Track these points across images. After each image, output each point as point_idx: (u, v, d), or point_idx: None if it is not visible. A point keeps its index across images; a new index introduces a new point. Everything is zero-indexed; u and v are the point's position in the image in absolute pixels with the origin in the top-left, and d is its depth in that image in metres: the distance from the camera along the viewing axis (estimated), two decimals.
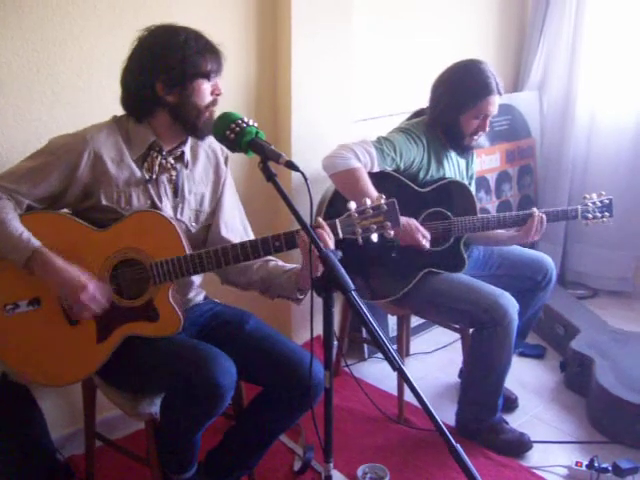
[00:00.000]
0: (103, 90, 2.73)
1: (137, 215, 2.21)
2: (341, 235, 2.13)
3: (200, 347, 2.21)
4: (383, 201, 2.13)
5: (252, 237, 2.52)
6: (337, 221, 2.12)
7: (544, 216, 3.05)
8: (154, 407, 2.30)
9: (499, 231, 3.19)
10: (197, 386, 2.09)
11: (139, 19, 2.70)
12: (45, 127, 2.63)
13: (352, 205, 2.10)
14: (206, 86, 2.20)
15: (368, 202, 2.13)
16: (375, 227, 2.12)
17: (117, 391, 2.35)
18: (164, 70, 2.16)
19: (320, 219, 2.11)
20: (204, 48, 2.18)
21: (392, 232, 2.14)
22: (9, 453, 2.59)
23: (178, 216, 2.33)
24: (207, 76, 2.19)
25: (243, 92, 3.22)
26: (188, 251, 2.19)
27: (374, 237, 2.12)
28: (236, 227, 2.49)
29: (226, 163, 2.49)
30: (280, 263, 2.39)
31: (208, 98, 2.21)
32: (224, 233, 2.44)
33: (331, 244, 2.05)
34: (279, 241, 2.16)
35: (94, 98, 2.73)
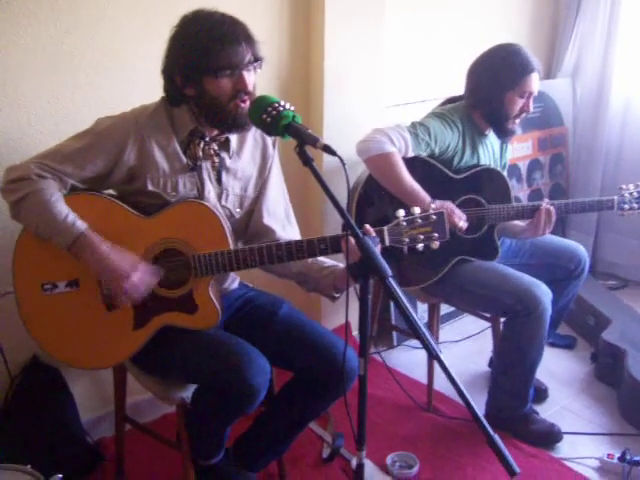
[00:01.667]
0: (136, 73, 2.72)
1: (184, 205, 2.19)
2: (388, 243, 2.09)
3: (236, 344, 2.19)
4: (432, 211, 2.08)
5: (294, 225, 2.49)
6: (385, 229, 2.08)
7: (551, 208, 2.98)
8: (185, 392, 2.30)
9: (514, 223, 3.15)
10: (230, 384, 2.09)
11: (172, 2, 2.69)
12: (78, 111, 2.62)
13: (401, 213, 2.06)
14: (223, 80, 2.07)
15: (417, 211, 2.07)
16: (422, 237, 2.08)
17: (148, 375, 2.35)
18: (179, 64, 2.11)
19: (368, 226, 2.07)
20: (224, 41, 2.04)
21: (438, 243, 2.09)
22: (39, 435, 2.61)
23: (222, 202, 2.30)
24: (222, 70, 2.06)
25: (275, 76, 3.20)
26: (232, 246, 2.17)
27: (419, 247, 2.09)
28: (278, 214, 2.44)
29: (274, 146, 2.43)
30: (320, 258, 2.32)
31: (227, 92, 2.09)
32: (266, 220, 2.40)
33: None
34: (324, 244, 2.12)
35: (127, 81, 2.72)
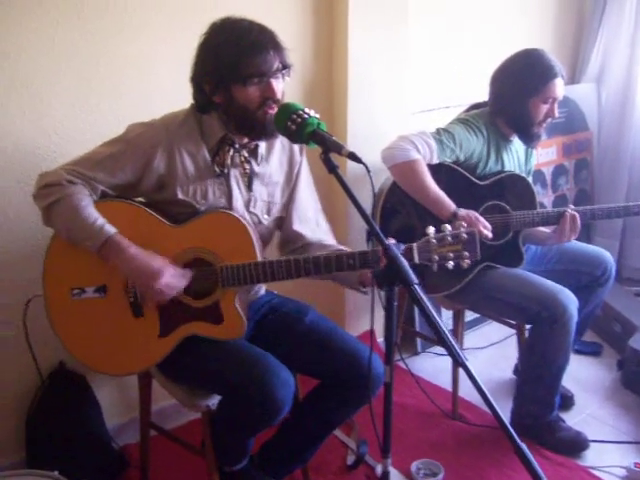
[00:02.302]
0: (162, 80, 2.74)
1: (213, 215, 2.19)
2: (417, 260, 2.03)
3: (260, 357, 2.19)
4: (463, 230, 2.03)
5: (326, 231, 2.48)
6: (414, 245, 2.03)
7: (576, 214, 2.95)
8: (211, 400, 2.30)
9: (540, 229, 3.12)
10: (254, 397, 2.09)
11: (197, 9, 2.71)
12: (104, 119, 2.65)
13: (431, 230, 2.00)
14: (252, 88, 2.07)
15: (448, 228, 2.01)
16: (452, 255, 2.02)
17: (174, 383, 2.36)
18: (207, 72, 2.12)
19: (392, 240, 2.00)
20: (251, 49, 2.05)
21: (468, 262, 2.04)
22: (65, 441, 2.62)
23: (251, 209, 2.31)
24: (250, 78, 2.06)
25: (299, 83, 3.20)
26: (260, 258, 2.17)
27: (450, 265, 2.04)
28: (309, 220, 2.44)
29: (301, 153, 2.43)
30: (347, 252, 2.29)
31: (256, 100, 2.09)
32: (296, 226, 2.40)
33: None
34: (353, 259, 2.09)
35: (153, 89, 2.74)
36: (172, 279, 2.10)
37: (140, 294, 2.18)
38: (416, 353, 3.86)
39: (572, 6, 4.67)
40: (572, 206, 3.01)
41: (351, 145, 3.19)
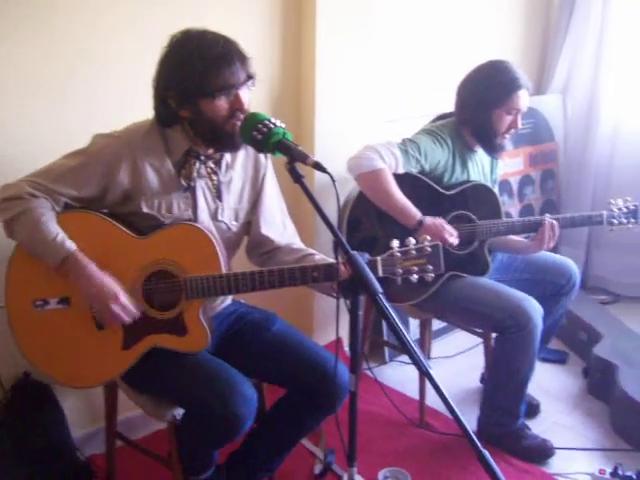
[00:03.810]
0: (130, 87, 2.70)
1: (178, 227, 2.18)
2: (381, 273, 2.05)
3: (223, 371, 2.18)
4: (427, 243, 2.06)
5: (292, 234, 2.48)
6: (379, 259, 2.05)
7: (555, 222, 3.01)
8: (177, 409, 2.30)
9: (516, 239, 3.16)
10: (215, 412, 2.09)
11: (164, 18, 2.70)
12: (70, 126, 2.61)
13: (395, 243, 2.04)
14: (220, 101, 2.06)
15: (412, 242, 2.04)
16: (416, 269, 2.05)
17: (139, 393, 2.34)
18: (172, 86, 2.10)
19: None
20: (218, 62, 2.03)
21: (432, 275, 2.07)
22: (30, 452, 2.60)
23: (219, 218, 2.30)
24: (219, 92, 2.04)
25: (267, 93, 3.21)
26: (225, 269, 2.16)
27: (413, 278, 2.07)
28: (276, 224, 2.44)
29: (266, 157, 2.42)
30: (318, 257, 2.30)
31: (224, 113, 2.08)
32: (264, 230, 2.40)
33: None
34: (317, 272, 2.11)
35: (120, 96, 2.71)
36: (127, 302, 2.10)
37: (98, 314, 2.17)
38: (384, 362, 3.86)
39: (538, 18, 4.73)
40: (548, 215, 3.05)
41: (318, 154, 3.22)
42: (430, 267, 2.06)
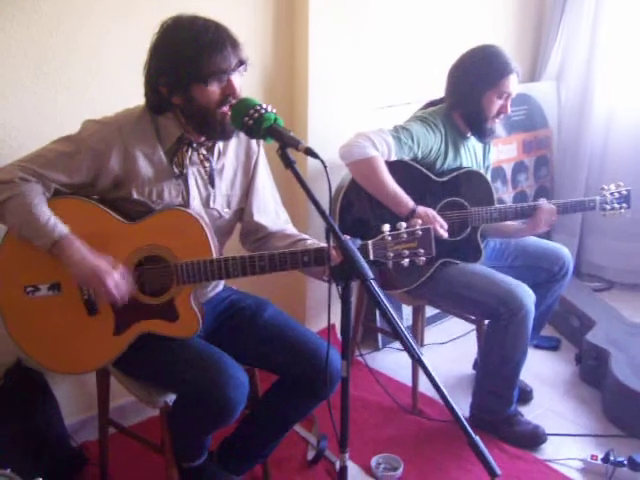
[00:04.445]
0: (121, 74, 2.70)
1: (169, 212, 2.18)
2: (372, 257, 2.05)
3: (215, 356, 2.18)
4: (418, 227, 2.05)
5: (285, 221, 2.48)
6: (370, 243, 2.05)
7: (554, 207, 3.02)
8: (169, 396, 2.30)
9: (508, 223, 3.16)
10: (206, 397, 2.09)
11: (153, 4, 2.68)
12: (62, 113, 2.62)
13: (386, 227, 2.03)
14: (212, 87, 2.05)
15: (403, 226, 2.04)
16: (407, 253, 2.05)
17: (131, 379, 2.35)
18: (163, 73, 2.08)
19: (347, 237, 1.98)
20: (210, 48, 2.01)
21: (424, 259, 2.07)
22: (23, 438, 2.59)
23: (211, 204, 2.29)
24: (211, 78, 2.03)
25: (259, 80, 3.20)
26: (215, 255, 2.16)
27: (405, 262, 2.07)
28: (268, 210, 2.43)
29: (258, 143, 2.41)
30: (310, 241, 2.30)
31: (216, 98, 2.07)
32: (257, 217, 2.39)
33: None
34: (308, 256, 2.11)
35: (112, 83, 2.71)
36: (121, 280, 2.09)
37: (94, 293, 2.16)
38: (377, 349, 3.87)
39: (532, 5, 4.71)
40: (544, 199, 3.05)
41: (311, 141, 3.22)
42: (421, 251, 2.06)
